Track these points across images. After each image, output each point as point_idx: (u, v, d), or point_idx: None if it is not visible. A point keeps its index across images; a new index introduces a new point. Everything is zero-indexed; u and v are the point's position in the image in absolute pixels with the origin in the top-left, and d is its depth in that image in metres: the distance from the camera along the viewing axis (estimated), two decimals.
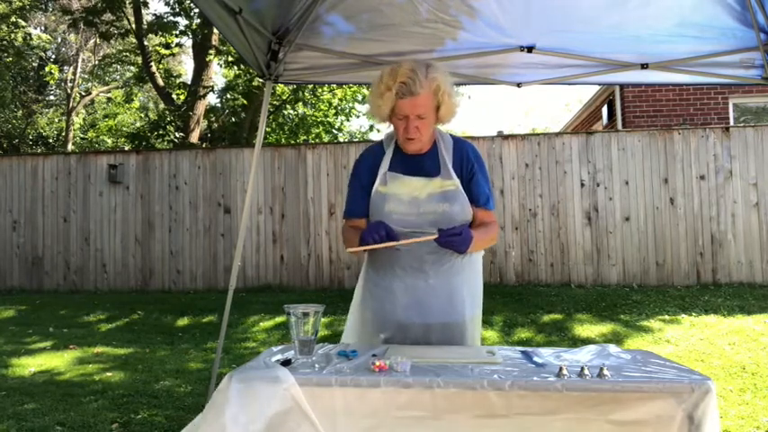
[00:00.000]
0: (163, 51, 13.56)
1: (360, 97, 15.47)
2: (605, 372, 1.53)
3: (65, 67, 20.15)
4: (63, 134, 19.64)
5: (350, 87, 14.96)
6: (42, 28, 20.62)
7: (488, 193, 2.16)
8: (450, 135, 2.20)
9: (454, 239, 1.91)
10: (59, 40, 20.81)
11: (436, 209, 2.05)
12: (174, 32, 12.16)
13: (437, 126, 2.14)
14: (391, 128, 2.15)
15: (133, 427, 3.57)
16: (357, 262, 7.97)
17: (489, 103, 57.60)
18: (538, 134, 8.61)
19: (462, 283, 2.13)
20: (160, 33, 12.10)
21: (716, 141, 7.72)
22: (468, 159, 2.12)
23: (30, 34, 17.25)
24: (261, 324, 6.49)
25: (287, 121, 15.22)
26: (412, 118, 1.99)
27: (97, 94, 20.99)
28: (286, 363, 1.66)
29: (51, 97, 21.23)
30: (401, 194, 2.07)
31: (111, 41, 12.94)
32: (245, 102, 11.85)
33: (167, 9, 12.23)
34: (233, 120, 11.81)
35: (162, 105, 14.06)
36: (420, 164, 2.10)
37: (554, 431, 1.49)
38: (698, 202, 7.68)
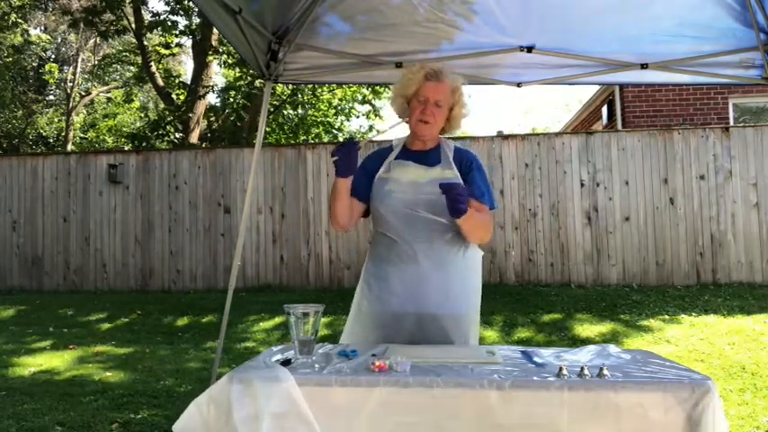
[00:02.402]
0: (163, 51, 13.55)
1: (360, 97, 15.45)
2: (605, 372, 1.53)
3: (65, 67, 20.17)
4: (63, 134, 19.64)
5: (350, 87, 14.95)
6: (42, 28, 20.62)
7: (486, 191, 2.21)
8: (454, 145, 2.32)
9: (457, 189, 1.95)
10: (59, 39, 20.82)
11: (433, 191, 2.10)
12: (173, 32, 12.16)
13: (441, 135, 2.27)
14: (398, 132, 2.30)
15: (133, 427, 3.57)
16: (357, 262, 7.97)
17: (489, 103, 57.61)
18: (538, 134, 8.61)
19: (457, 275, 2.17)
20: (160, 33, 12.09)
21: (716, 141, 7.72)
22: (467, 160, 2.23)
23: (27, 31, 17.24)
24: (261, 324, 6.49)
25: (287, 121, 15.22)
26: (431, 102, 2.13)
27: (97, 94, 20.99)
28: (286, 363, 1.66)
29: (51, 97, 21.24)
30: (402, 178, 2.18)
31: (112, 41, 12.93)
32: (247, 103, 11.85)
33: (166, 8, 12.20)
34: (235, 121, 11.79)
35: (162, 105, 14.06)
36: (423, 158, 2.22)
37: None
38: (698, 202, 7.68)
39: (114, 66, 19.84)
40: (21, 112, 19.28)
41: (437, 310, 2.11)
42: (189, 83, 13.13)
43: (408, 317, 2.11)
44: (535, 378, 1.53)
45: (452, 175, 2.15)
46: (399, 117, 2.28)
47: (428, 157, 2.21)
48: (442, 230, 2.14)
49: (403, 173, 2.18)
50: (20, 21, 15.73)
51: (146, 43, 12.50)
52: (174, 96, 13.03)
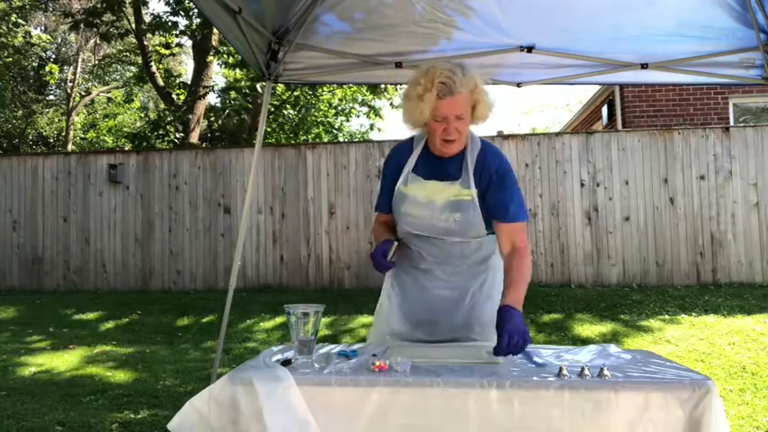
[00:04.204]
0: (163, 51, 13.55)
1: (360, 98, 15.45)
2: (605, 372, 1.53)
3: (65, 67, 20.16)
4: (63, 134, 19.64)
5: (350, 87, 14.95)
6: (42, 28, 20.62)
7: (508, 204, 2.01)
8: (481, 140, 2.14)
9: (516, 346, 1.70)
10: (59, 40, 20.82)
11: (449, 217, 2.03)
12: (173, 32, 12.16)
13: (470, 129, 2.09)
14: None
15: (133, 427, 3.57)
16: (357, 262, 7.97)
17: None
18: (538, 134, 8.61)
19: (476, 289, 2.14)
20: (160, 33, 12.09)
21: (716, 141, 7.72)
22: (487, 171, 2.04)
23: (29, 33, 17.25)
24: (261, 324, 6.49)
25: (287, 121, 15.22)
26: (451, 119, 1.93)
27: (97, 94, 20.99)
28: (286, 363, 1.66)
29: (51, 97, 21.23)
30: (418, 197, 2.06)
31: (112, 41, 12.92)
32: (248, 105, 11.86)
33: (167, 9, 12.22)
34: (239, 118, 11.77)
35: (162, 105, 14.05)
36: (444, 168, 2.06)
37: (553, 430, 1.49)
38: (698, 202, 7.68)
39: (114, 66, 19.84)
40: (21, 112, 19.28)
41: (453, 320, 2.11)
42: (189, 83, 13.13)
43: (422, 324, 2.13)
44: (535, 378, 1.53)
45: (469, 197, 2.00)
46: (416, 128, 2.08)
47: (449, 168, 2.05)
48: (461, 248, 2.11)
49: (420, 189, 2.05)
50: (21, 21, 15.73)
51: (146, 43, 12.49)
52: (174, 96, 13.03)
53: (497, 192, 2.01)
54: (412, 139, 2.17)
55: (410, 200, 2.07)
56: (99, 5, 11.21)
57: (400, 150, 2.16)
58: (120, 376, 4.69)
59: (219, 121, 12.84)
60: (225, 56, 12.36)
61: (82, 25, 11.75)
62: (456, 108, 1.92)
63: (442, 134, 1.96)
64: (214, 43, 12.09)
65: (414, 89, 1.95)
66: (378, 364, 1.60)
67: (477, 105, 1.99)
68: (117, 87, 21.10)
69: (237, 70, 13.01)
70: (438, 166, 2.06)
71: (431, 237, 2.08)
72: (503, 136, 8.17)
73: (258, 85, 11.29)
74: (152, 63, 12.63)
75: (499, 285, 2.12)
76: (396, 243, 2.05)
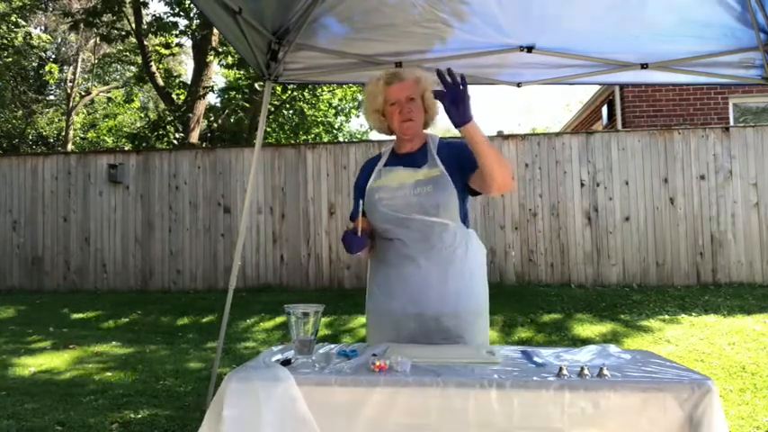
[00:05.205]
0: (163, 51, 13.56)
1: (359, 97, 15.46)
2: (605, 372, 1.53)
3: (65, 67, 20.16)
4: (63, 134, 19.64)
5: (350, 87, 14.97)
6: (42, 28, 20.62)
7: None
8: (439, 138, 2.33)
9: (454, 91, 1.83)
10: (59, 39, 20.82)
11: (421, 191, 2.13)
12: (173, 33, 12.17)
13: (426, 130, 2.27)
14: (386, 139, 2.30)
15: (133, 427, 3.57)
16: (357, 262, 7.97)
17: (489, 103, 57.61)
18: (538, 134, 8.61)
19: (456, 274, 2.14)
20: (160, 33, 12.10)
21: (716, 141, 7.72)
22: (446, 149, 2.22)
23: (30, 33, 17.26)
24: (261, 324, 6.49)
25: (287, 121, 15.23)
26: (403, 101, 2.16)
27: (97, 94, 20.99)
28: (286, 363, 1.67)
29: (51, 97, 21.23)
30: (392, 184, 2.19)
31: (112, 42, 12.93)
32: (246, 105, 11.87)
33: (167, 9, 12.22)
34: (238, 116, 11.77)
35: (162, 105, 14.06)
36: (411, 161, 2.22)
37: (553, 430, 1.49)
38: (698, 202, 7.68)
39: (114, 66, 19.85)
40: (21, 112, 19.27)
41: (438, 311, 2.10)
42: (189, 83, 13.13)
43: (409, 317, 2.12)
44: (535, 378, 1.53)
45: (439, 173, 2.13)
46: (381, 132, 2.30)
47: (416, 159, 2.21)
48: (439, 231, 2.13)
49: (391, 178, 2.19)
50: (21, 21, 15.73)
51: (146, 43, 12.50)
52: (174, 96, 13.03)
53: (462, 152, 2.12)
54: (379, 154, 2.35)
55: (383, 188, 2.19)
56: (99, 5, 11.21)
57: (369, 163, 2.35)
58: (120, 376, 4.69)
59: (219, 121, 12.85)
60: (225, 56, 12.36)
61: (82, 25, 11.75)
62: (404, 91, 2.16)
63: (399, 117, 2.17)
64: (214, 43, 12.09)
65: (369, 85, 2.25)
66: (378, 364, 1.59)
67: (426, 93, 2.19)
68: (117, 87, 21.11)
69: (236, 70, 13.00)
70: (405, 160, 2.23)
71: (407, 217, 2.11)
72: (503, 136, 8.17)
73: (257, 85, 11.30)
74: (152, 63, 12.64)
75: (479, 275, 2.21)
76: (361, 202, 2.13)
